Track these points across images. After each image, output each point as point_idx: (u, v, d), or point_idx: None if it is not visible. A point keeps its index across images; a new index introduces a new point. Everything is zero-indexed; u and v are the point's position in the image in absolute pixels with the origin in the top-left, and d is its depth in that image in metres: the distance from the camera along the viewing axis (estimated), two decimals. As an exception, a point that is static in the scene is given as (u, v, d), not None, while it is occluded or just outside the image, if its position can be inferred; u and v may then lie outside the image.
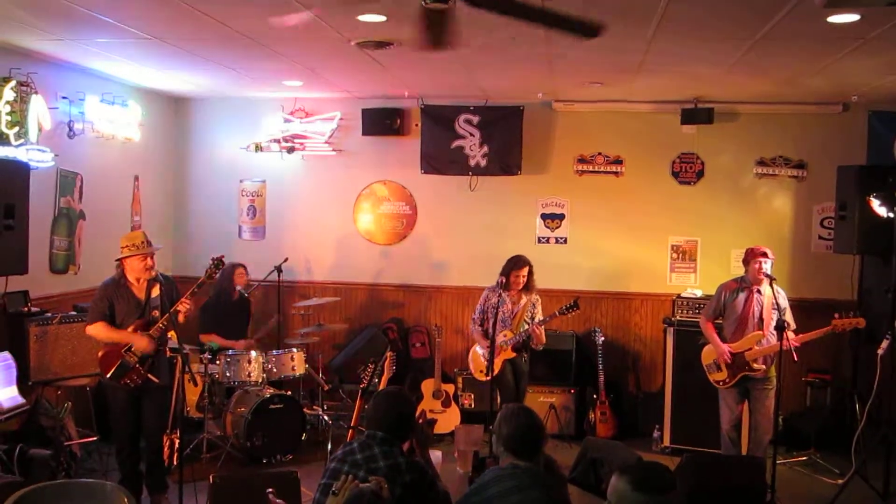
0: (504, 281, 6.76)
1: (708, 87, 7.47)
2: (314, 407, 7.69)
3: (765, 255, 6.31)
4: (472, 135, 8.44)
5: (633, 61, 6.31)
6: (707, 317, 6.64)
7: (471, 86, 7.72)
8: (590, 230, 8.51)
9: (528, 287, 6.90)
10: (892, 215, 6.32)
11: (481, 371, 6.95)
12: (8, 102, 6.02)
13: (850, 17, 4.77)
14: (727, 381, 6.41)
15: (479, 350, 7.08)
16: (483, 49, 5.95)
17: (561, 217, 8.55)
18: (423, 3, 3.67)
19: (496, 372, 6.70)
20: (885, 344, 6.31)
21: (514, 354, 6.87)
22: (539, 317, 6.92)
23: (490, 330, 6.70)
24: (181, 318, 5.71)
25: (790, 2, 4.50)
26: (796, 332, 6.21)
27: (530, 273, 6.87)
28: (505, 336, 6.80)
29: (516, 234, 8.51)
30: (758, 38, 5.37)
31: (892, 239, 6.31)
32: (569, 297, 6.62)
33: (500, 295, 6.71)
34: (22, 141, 6.16)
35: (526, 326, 6.84)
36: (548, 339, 7.01)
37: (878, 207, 6.52)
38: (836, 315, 6.18)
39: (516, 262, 6.83)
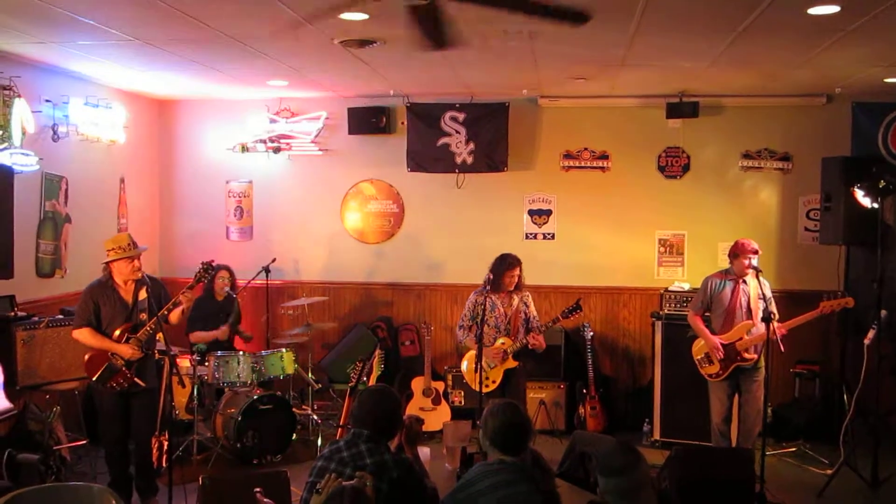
0: (495, 283, 6.47)
1: (692, 81, 7.48)
2: (304, 407, 7.68)
3: (756, 252, 6.31)
4: (457, 132, 8.44)
5: (617, 55, 6.31)
6: (695, 310, 6.63)
7: (456, 83, 7.72)
8: (577, 225, 8.51)
9: (518, 286, 6.59)
10: (876, 206, 6.36)
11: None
12: (-9, 107, 6.00)
13: (830, 9, 4.79)
14: (720, 373, 6.40)
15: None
16: (468, 45, 5.94)
17: (548, 213, 8.56)
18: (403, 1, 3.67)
19: (497, 384, 6.49)
20: (871, 334, 6.36)
21: (515, 364, 6.55)
22: (533, 313, 6.69)
23: (478, 335, 6.38)
24: (181, 310, 5.73)
25: (770, -6, 4.53)
26: (779, 321, 6.24)
27: (520, 271, 6.58)
28: (504, 344, 6.51)
29: (504, 230, 8.50)
30: (740, 30, 5.39)
31: (876, 229, 6.35)
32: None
33: (489, 297, 6.45)
34: (6, 145, 6.14)
35: (527, 336, 6.50)
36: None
37: (863, 198, 6.56)
38: (824, 297, 6.23)
39: (510, 264, 6.49)
